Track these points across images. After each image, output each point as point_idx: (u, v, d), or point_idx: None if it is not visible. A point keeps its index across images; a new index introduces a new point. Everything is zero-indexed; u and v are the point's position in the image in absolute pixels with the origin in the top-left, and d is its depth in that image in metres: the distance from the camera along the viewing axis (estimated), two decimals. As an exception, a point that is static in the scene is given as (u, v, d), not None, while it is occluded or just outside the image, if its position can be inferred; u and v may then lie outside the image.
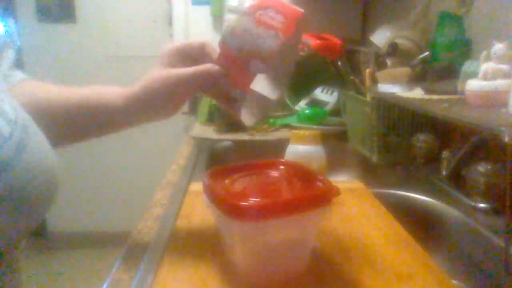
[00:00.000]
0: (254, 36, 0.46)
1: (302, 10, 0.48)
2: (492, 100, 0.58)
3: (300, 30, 0.49)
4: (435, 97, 0.73)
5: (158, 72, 0.49)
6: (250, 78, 0.47)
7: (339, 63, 1.21)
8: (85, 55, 2.57)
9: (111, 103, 0.50)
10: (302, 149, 0.64)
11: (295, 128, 1.19)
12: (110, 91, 0.51)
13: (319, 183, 0.44)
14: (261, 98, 0.48)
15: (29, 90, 0.51)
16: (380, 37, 1.05)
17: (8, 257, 0.37)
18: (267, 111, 0.51)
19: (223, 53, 0.49)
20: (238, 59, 0.47)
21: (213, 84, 0.49)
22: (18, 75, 0.53)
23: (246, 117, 0.50)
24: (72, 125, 0.51)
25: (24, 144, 0.31)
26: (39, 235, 2.62)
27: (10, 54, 0.51)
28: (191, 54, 0.51)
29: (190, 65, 0.49)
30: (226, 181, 0.47)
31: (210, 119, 1.36)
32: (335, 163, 0.93)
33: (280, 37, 0.45)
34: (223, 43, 0.48)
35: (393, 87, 0.85)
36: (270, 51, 0.45)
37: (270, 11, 0.47)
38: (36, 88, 0.52)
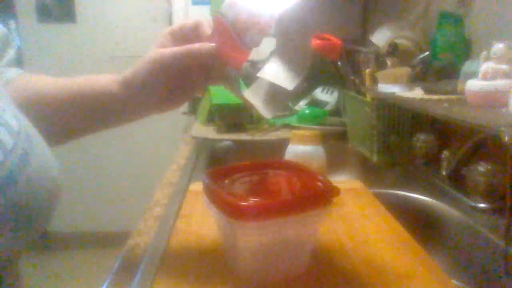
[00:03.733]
0: (253, 5, 0.44)
1: None
2: (492, 100, 0.58)
3: (308, 9, 0.47)
4: (435, 97, 0.73)
5: (149, 54, 0.47)
6: (245, 53, 0.44)
7: (339, 63, 1.21)
8: (85, 55, 2.57)
9: (106, 90, 0.48)
10: (302, 149, 0.64)
11: (295, 128, 1.19)
12: (105, 78, 0.49)
13: (319, 183, 0.44)
14: (277, 89, 0.46)
15: (24, 84, 0.50)
16: (380, 37, 1.05)
17: (8, 267, 0.36)
18: (286, 103, 0.49)
19: (217, 28, 0.46)
20: (233, 33, 0.45)
21: (207, 64, 0.46)
22: (13, 70, 0.51)
23: (264, 109, 0.48)
24: (69, 116, 0.48)
25: (27, 156, 0.30)
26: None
27: (10, 52, 0.50)
28: (186, 35, 0.48)
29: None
30: (226, 181, 0.47)
31: (210, 119, 1.36)
32: (335, 163, 0.93)
33: (279, 7, 0.43)
34: (218, 16, 0.46)
35: (393, 87, 0.85)
36: (269, 18, 0.43)
37: None
38: (31, 81, 0.50)
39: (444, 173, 0.80)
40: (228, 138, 1.22)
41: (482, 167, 0.66)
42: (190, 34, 0.48)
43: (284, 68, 0.46)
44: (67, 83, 0.49)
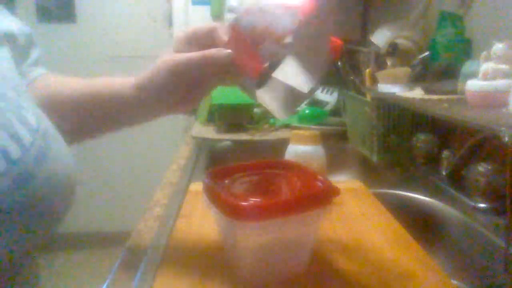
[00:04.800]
0: (270, 15, 0.43)
1: None
2: (492, 100, 0.58)
3: (325, 13, 0.46)
4: (435, 97, 0.73)
5: (164, 58, 0.47)
6: (261, 63, 0.44)
7: (339, 63, 1.21)
8: (85, 55, 2.57)
9: (122, 92, 0.49)
10: (302, 149, 0.64)
11: (295, 128, 1.19)
12: (120, 80, 0.50)
13: (319, 183, 0.44)
14: (292, 91, 0.46)
15: (46, 83, 0.50)
16: (380, 37, 1.05)
17: (26, 263, 0.37)
18: (299, 104, 0.49)
19: (234, 36, 0.46)
20: (249, 42, 0.44)
21: (222, 70, 0.47)
22: (37, 70, 0.52)
23: (279, 111, 0.48)
24: (86, 116, 0.49)
25: (45, 152, 0.31)
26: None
27: (35, 52, 0.50)
28: (200, 40, 0.48)
29: (199, 50, 0.47)
30: (226, 181, 0.47)
31: (210, 119, 1.36)
32: (335, 163, 0.93)
33: (298, 16, 0.43)
34: (235, 24, 0.45)
35: (393, 87, 0.85)
36: (285, 30, 0.43)
37: None
38: (53, 81, 0.51)
39: (444, 173, 0.80)
40: (228, 138, 1.22)
41: (482, 167, 0.66)
42: (205, 38, 0.47)
43: (300, 70, 0.46)
44: (85, 84, 0.50)
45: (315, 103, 1.35)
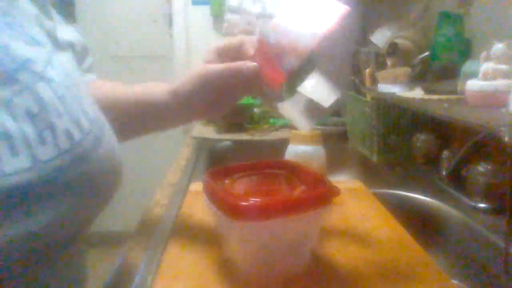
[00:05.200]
0: (294, 32, 0.46)
1: (346, 7, 0.46)
2: (492, 100, 0.58)
3: (347, 32, 0.48)
4: (435, 97, 0.73)
5: (195, 68, 0.51)
6: (282, 76, 0.46)
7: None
8: (85, 55, 2.57)
9: (159, 98, 0.53)
10: (302, 149, 0.64)
11: (295, 128, 1.19)
12: (158, 87, 0.54)
13: (319, 183, 0.44)
14: (315, 105, 0.48)
15: (95, 88, 0.54)
16: (380, 37, 1.05)
17: (74, 247, 0.40)
18: (322, 116, 0.51)
19: (259, 49, 0.49)
20: (273, 55, 0.47)
21: (248, 81, 0.50)
22: (89, 76, 0.57)
23: (302, 123, 0.50)
24: (128, 121, 0.54)
25: (100, 140, 0.35)
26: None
27: (88, 60, 0.55)
28: (230, 52, 0.52)
29: (228, 62, 0.51)
30: (226, 181, 0.47)
31: (210, 119, 1.36)
32: (335, 163, 0.93)
33: (318, 36, 0.44)
34: (262, 38, 0.48)
35: (393, 87, 0.85)
36: (305, 48, 0.45)
37: (314, 8, 0.46)
38: (100, 87, 0.56)
39: (444, 173, 0.80)
40: (228, 138, 1.22)
41: (482, 167, 0.66)
42: (234, 51, 0.52)
43: (323, 85, 0.47)
44: (129, 91, 0.56)
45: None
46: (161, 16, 2.52)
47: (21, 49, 0.31)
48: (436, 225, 0.71)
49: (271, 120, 1.30)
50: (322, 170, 0.63)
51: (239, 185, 0.46)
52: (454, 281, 0.62)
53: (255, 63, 0.49)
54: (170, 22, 2.34)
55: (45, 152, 0.29)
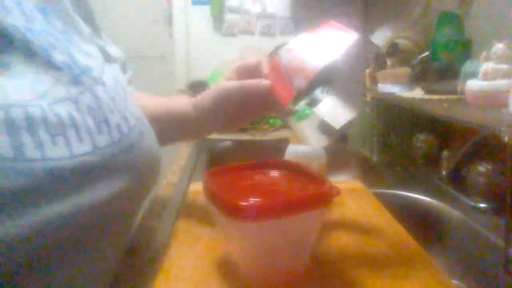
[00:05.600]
0: (305, 54, 0.50)
1: (355, 35, 0.52)
2: (492, 100, 0.58)
3: (356, 54, 0.52)
4: (435, 97, 0.73)
5: (218, 85, 0.56)
6: (291, 94, 0.49)
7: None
8: (85, 55, 2.57)
9: (184, 111, 0.58)
10: (302, 149, 0.64)
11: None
12: (182, 99, 0.60)
13: (319, 183, 0.44)
14: (327, 125, 0.51)
15: (135, 100, 0.57)
16: (380, 37, 1.05)
17: (125, 223, 0.43)
18: (334, 136, 0.54)
19: (273, 67, 0.52)
20: (284, 73, 0.50)
21: (263, 97, 0.53)
22: (128, 88, 0.60)
23: (314, 140, 0.54)
24: (158, 131, 0.56)
25: (143, 134, 0.41)
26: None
27: (128, 74, 0.59)
28: (249, 71, 0.55)
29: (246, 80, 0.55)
30: (226, 181, 0.47)
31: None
32: (335, 163, 0.93)
33: (324, 61, 0.48)
34: (275, 57, 0.52)
35: (393, 87, 0.85)
36: (311, 71, 0.48)
37: (327, 34, 0.51)
38: (138, 99, 0.59)
39: (444, 173, 0.80)
40: (228, 138, 1.22)
41: (482, 167, 0.66)
42: (252, 69, 0.55)
43: (337, 107, 0.51)
44: (160, 104, 0.60)
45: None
46: (161, 16, 2.52)
47: (82, 59, 0.37)
48: (436, 225, 0.71)
49: (271, 120, 1.30)
50: (322, 170, 0.63)
51: (239, 185, 0.46)
52: (454, 281, 0.62)
53: (268, 81, 0.52)
54: (170, 22, 2.34)
55: (102, 140, 0.35)
